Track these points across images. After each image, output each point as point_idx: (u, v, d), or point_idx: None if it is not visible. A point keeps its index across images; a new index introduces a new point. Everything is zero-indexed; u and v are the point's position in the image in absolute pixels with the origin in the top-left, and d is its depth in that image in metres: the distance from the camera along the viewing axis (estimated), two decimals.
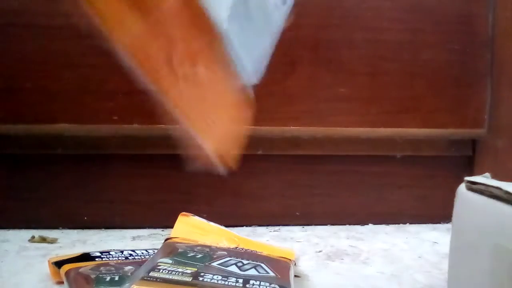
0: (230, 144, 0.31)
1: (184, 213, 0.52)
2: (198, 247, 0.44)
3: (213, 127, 0.29)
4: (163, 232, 0.65)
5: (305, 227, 0.69)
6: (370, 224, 0.71)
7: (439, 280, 0.50)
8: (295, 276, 0.46)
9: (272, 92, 0.65)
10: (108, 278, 0.41)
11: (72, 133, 0.62)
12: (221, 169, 0.30)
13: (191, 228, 0.50)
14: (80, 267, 0.43)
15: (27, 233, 0.61)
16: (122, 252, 0.49)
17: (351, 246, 0.61)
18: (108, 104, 0.63)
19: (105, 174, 0.66)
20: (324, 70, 0.67)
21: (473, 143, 0.72)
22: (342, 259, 0.56)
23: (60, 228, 0.65)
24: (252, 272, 0.41)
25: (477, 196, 0.36)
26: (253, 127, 0.64)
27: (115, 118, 0.63)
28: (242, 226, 0.68)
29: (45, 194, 0.65)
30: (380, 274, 0.52)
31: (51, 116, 0.62)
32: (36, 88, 0.62)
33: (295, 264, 0.48)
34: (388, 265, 0.55)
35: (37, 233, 0.61)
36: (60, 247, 0.58)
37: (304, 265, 0.53)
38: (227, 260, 0.42)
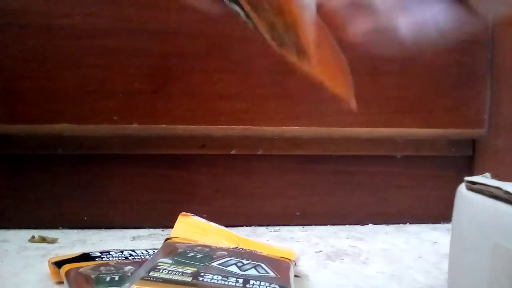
0: (348, 84, 0.38)
1: (184, 213, 0.52)
2: (198, 247, 0.44)
3: (337, 75, 0.37)
4: (163, 232, 0.65)
5: (305, 227, 0.69)
6: (370, 224, 0.71)
7: (439, 280, 0.50)
8: (295, 276, 0.46)
9: (272, 92, 0.65)
10: (108, 278, 0.41)
11: (72, 133, 0.62)
12: (351, 104, 0.36)
13: (191, 228, 0.50)
14: (80, 267, 0.43)
15: (27, 233, 0.61)
16: (122, 252, 0.49)
17: (351, 246, 0.61)
18: (108, 104, 0.63)
19: (105, 174, 0.66)
20: None
21: (473, 143, 0.72)
22: (342, 259, 0.56)
23: (60, 228, 0.65)
24: (252, 272, 0.41)
25: (477, 196, 0.36)
26: (253, 127, 0.66)
27: (115, 118, 0.63)
28: (242, 226, 0.68)
29: (45, 194, 0.65)
30: (380, 274, 0.52)
31: (51, 116, 0.62)
32: (36, 88, 0.62)
33: (295, 264, 0.48)
34: (388, 265, 0.55)
35: (37, 233, 0.61)
36: (60, 247, 0.58)
37: (304, 265, 0.53)
38: (227, 260, 0.42)
